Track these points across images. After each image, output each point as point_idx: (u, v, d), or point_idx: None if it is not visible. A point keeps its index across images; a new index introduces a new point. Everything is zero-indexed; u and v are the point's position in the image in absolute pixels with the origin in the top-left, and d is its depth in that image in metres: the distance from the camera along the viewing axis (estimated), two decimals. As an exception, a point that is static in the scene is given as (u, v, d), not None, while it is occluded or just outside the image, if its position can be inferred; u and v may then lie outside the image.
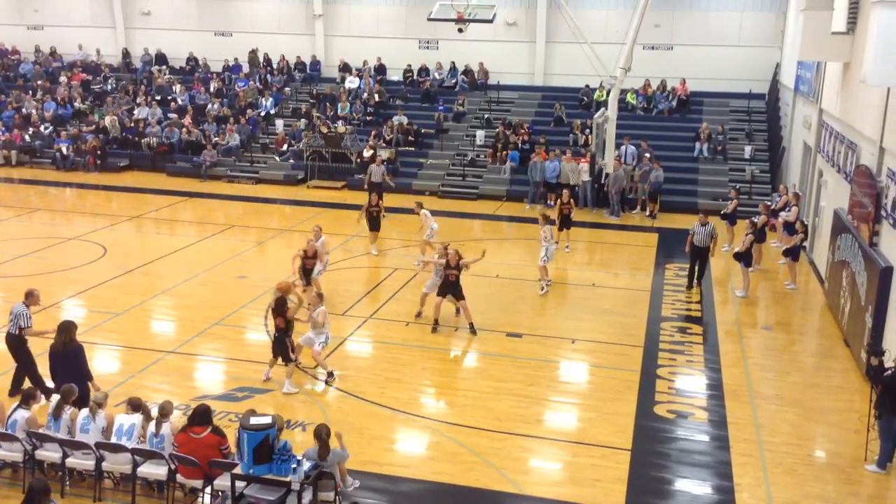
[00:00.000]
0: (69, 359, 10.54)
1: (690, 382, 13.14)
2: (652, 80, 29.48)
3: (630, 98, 28.75)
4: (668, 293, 17.34)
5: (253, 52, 33.37)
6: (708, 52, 29.45)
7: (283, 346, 12.41)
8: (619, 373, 13.30)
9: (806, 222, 19.06)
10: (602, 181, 24.65)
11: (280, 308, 12.38)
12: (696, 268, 17.58)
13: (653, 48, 29.49)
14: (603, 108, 25.00)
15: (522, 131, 27.65)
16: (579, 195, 24.96)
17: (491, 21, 23.94)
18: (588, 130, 26.57)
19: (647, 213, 24.34)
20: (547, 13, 30.57)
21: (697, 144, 26.83)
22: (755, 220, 18.07)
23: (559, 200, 20.78)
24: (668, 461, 10.71)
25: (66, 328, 10.69)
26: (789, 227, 19.01)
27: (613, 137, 24.29)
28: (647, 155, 24.68)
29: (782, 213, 19.73)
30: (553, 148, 25.97)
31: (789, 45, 25.98)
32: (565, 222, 20.35)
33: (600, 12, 29.89)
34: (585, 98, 29.37)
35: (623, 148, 25.25)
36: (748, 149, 26.70)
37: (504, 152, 27.15)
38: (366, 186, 23.62)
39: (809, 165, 21.58)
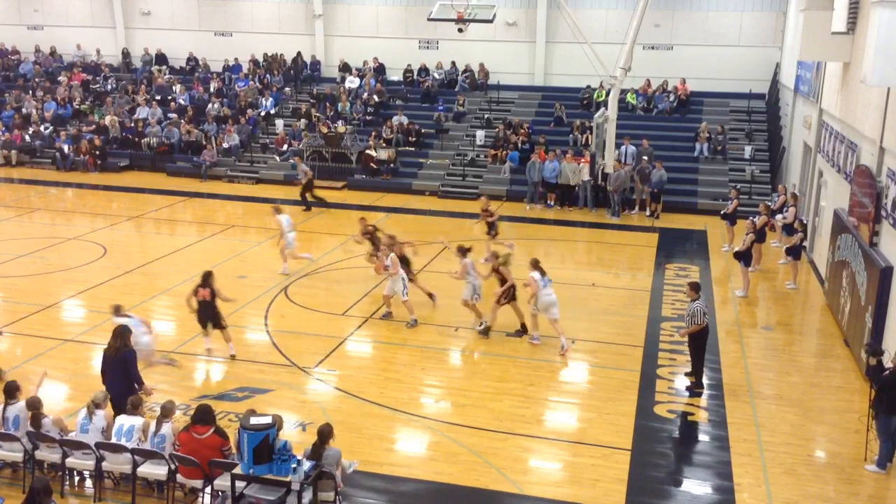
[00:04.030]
0: (120, 364, 10.47)
1: (690, 382, 13.11)
2: (652, 80, 29.49)
3: (630, 98, 28.75)
4: (668, 293, 17.33)
5: (273, 56, 33.27)
6: (708, 51, 29.45)
7: (213, 313, 13.44)
8: (619, 373, 13.30)
9: (805, 221, 19.07)
10: (602, 181, 24.65)
11: (206, 281, 13.37)
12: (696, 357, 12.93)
13: (653, 48, 29.50)
14: (603, 108, 25.00)
15: (522, 131, 27.65)
16: (579, 195, 24.97)
17: (491, 21, 23.95)
18: (588, 130, 26.57)
19: (650, 213, 24.32)
20: (547, 13, 30.57)
21: (697, 144, 26.82)
22: (755, 220, 18.07)
23: (481, 209, 19.32)
24: (668, 461, 10.72)
25: (121, 334, 10.62)
26: (788, 228, 19.04)
27: (613, 137, 24.29)
28: (645, 158, 24.62)
29: (778, 216, 19.71)
30: (553, 148, 25.95)
31: (789, 45, 25.99)
32: (491, 228, 19.21)
33: (600, 12, 29.89)
34: (586, 98, 29.37)
35: (623, 148, 25.24)
36: (748, 149, 26.70)
37: (504, 152, 27.15)
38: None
39: (809, 165, 21.59)
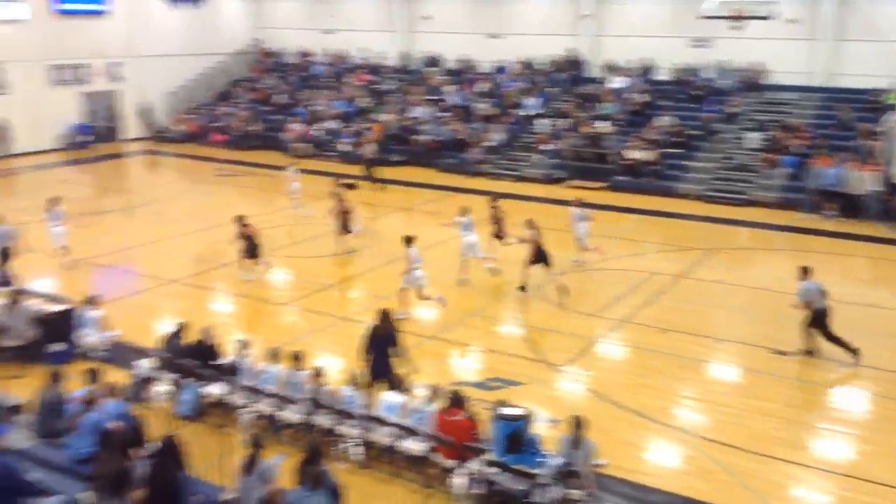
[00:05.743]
0: (386, 341, 11.44)
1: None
2: (961, 81, 26.01)
3: (930, 101, 25.56)
4: (969, 321, 15.23)
5: (554, 61, 33.92)
6: None
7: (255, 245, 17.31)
8: (907, 406, 11.94)
9: None
10: (892, 192, 22.18)
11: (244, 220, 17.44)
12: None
13: (964, 44, 25.98)
14: (890, 112, 22.48)
15: (801, 134, 25.64)
16: (865, 206, 22.66)
17: (770, 18, 22.48)
18: (876, 135, 24.02)
19: (948, 229, 21.51)
20: (835, 9, 27.98)
21: None
22: None
23: (492, 209, 18.77)
24: (962, 511, 9.46)
25: (386, 315, 11.64)
26: None
27: (908, 144, 21.80)
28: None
29: None
30: (835, 153, 23.77)
31: None
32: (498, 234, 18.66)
33: (900, 5, 26.87)
34: (875, 100, 26.55)
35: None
36: None
37: (778, 156, 25.37)
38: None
39: None
